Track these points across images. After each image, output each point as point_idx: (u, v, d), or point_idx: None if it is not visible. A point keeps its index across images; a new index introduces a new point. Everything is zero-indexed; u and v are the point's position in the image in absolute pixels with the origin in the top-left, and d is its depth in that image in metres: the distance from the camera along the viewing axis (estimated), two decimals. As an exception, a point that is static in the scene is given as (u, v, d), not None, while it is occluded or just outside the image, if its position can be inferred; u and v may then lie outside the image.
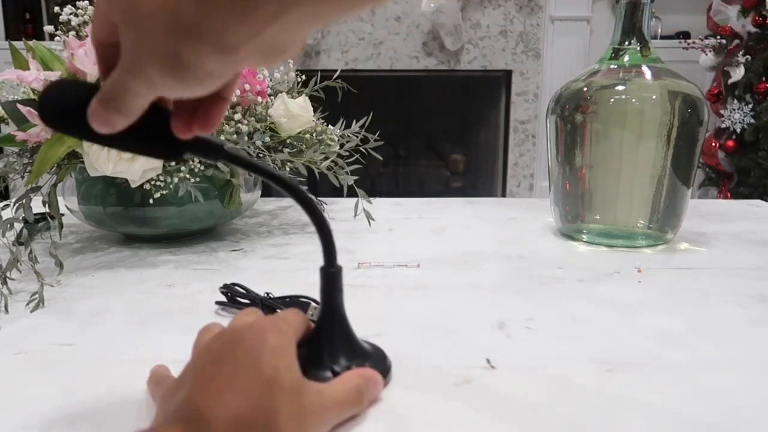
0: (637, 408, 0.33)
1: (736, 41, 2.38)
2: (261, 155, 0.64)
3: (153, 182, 0.58)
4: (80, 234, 0.71)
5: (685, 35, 2.74)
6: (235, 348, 0.29)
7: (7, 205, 0.56)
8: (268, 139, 0.65)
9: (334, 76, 0.76)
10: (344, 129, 0.73)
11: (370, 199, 0.71)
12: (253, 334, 0.30)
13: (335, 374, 0.33)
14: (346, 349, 0.35)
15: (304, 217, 0.79)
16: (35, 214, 0.57)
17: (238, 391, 0.26)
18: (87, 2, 0.63)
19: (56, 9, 0.68)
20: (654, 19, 2.76)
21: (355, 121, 0.73)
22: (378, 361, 0.36)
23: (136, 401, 0.33)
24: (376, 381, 0.33)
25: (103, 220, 0.65)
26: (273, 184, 0.34)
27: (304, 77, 0.77)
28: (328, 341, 0.35)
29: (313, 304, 0.42)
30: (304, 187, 0.68)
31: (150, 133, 0.28)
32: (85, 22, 0.63)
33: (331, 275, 0.34)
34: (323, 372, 0.34)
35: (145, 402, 0.33)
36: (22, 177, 0.61)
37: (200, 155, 0.30)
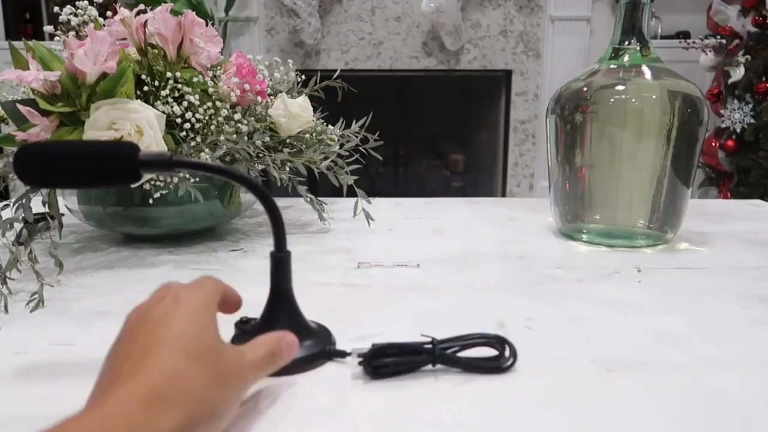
0: (637, 408, 0.33)
1: (736, 41, 2.38)
2: (261, 155, 0.64)
3: (153, 182, 0.58)
4: (80, 234, 0.71)
5: (685, 35, 2.74)
6: (146, 321, 0.29)
7: (7, 205, 0.56)
8: (267, 139, 0.65)
9: (334, 76, 0.76)
10: (344, 129, 0.73)
11: (370, 199, 0.71)
12: (164, 304, 0.30)
13: None
14: (293, 327, 0.37)
15: (303, 217, 0.79)
16: (35, 214, 0.57)
17: (151, 365, 0.26)
18: (87, 2, 0.63)
19: (56, 9, 0.67)
20: (654, 19, 2.76)
21: (355, 121, 0.73)
22: (323, 339, 0.39)
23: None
24: (290, 342, 0.34)
25: (103, 220, 0.65)
26: (228, 180, 0.37)
27: (304, 77, 0.77)
28: (278, 321, 0.37)
29: None
30: (304, 187, 0.68)
31: (113, 173, 0.33)
32: (84, 22, 0.63)
33: (280, 259, 0.38)
34: None
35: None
36: (22, 177, 0.61)
37: (155, 171, 0.34)
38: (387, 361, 0.35)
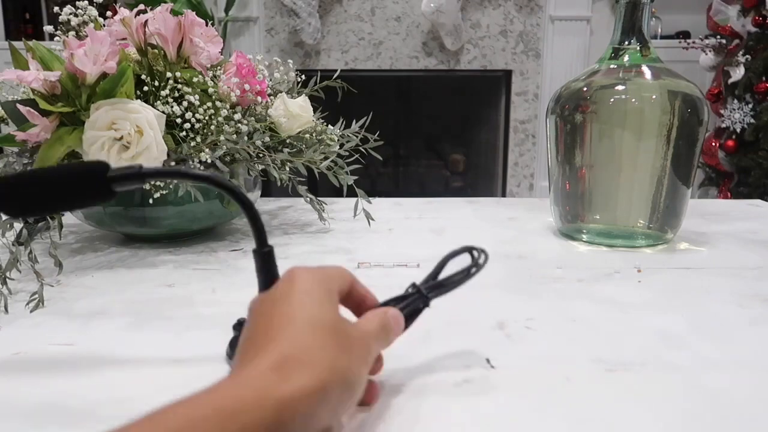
0: (637, 408, 0.33)
1: (736, 41, 2.38)
2: (261, 155, 0.64)
3: (153, 182, 0.58)
4: (80, 234, 0.71)
5: (685, 35, 2.74)
6: (265, 303, 0.30)
7: (7, 205, 0.56)
8: (267, 139, 0.65)
9: (334, 76, 0.76)
10: (344, 129, 0.73)
11: (370, 199, 0.71)
12: (281, 285, 0.31)
13: None
14: None
15: (303, 217, 0.79)
16: (35, 214, 0.57)
17: (278, 337, 0.27)
18: (87, 2, 0.63)
19: (56, 9, 0.67)
20: (654, 18, 2.76)
21: (355, 121, 0.73)
22: None
23: (136, 401, 0.33)
24: (395, 315, 0.34)
25: (103, 220, 0.65)
26: (201, 184, 0.37)
27: (304, 77, 0.77)
28: None
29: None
30: (304, 187, 0.68)
31: (86, 194, 0.33)
32: (84, 22, 0.63)
33: (265, 255, 0.36)
34: None
35: (145, 401, 0.33)
36: (22, 177, 0.61)
37: (128, 185, 0.33)
38: None
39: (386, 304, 0.35)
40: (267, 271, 0.36)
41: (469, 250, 0.37)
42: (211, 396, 0.23)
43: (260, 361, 0.25)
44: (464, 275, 0.36)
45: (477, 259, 0.37)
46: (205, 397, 0.23)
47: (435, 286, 0.36)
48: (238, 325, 0.39)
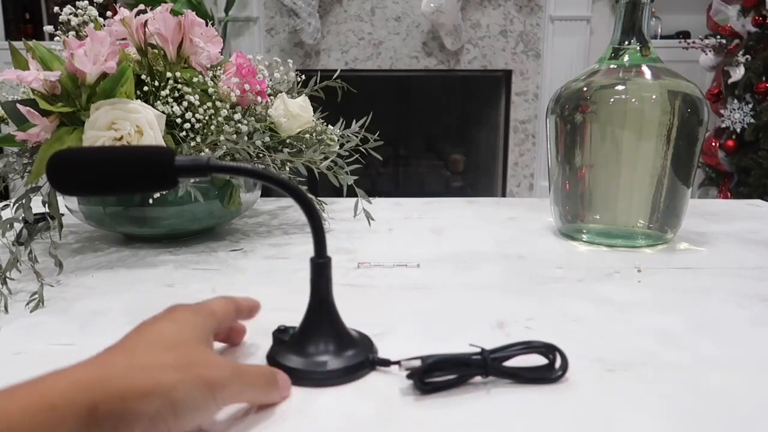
0: (637, 408, 0.33)
1: (736, 41, 2.38)
2: (261, 155, 0.64)
3: (144, 193, 0.58)
4: (80, 234, 0.71)
5: (685, 35, 2.74)
6: (140, 325, 0.31)
7: (7, 205, 0.56)
8: (267, 139, 0.65)
9: (334, 76, 0.76)
10: (344, 129, 0.73)
11: (370, 198, 0.71)
12: (159, 314, 0.32)
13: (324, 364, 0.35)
14: (335, 336, 0.37)
15: (303, 217, 0.78)
16: (35, 214, 0.57)
17: (124, 347, 0.29)
18: (87, 2, 0.63)
19: (56, 9, 0.67)
20: (654, 18, 2.76)
21: (355, 121, 0.73)
22: (365, 348, 0.38)
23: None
24: (285, 380, 0.34)
25: (103, 220, 0.65)
26: (268, 185, 0.36)
27: (304, 77, 0.77)
28: (318, 329, 0.37)
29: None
30: (304, 187, 0.68)
31: (149, 180, 0.32)
32: (84, 22, 0.63)
33: (320, 266, 0.36)
34: (317, 357, 0.36)
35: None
36: (22, 177, 0.61)
37: (191, 176, 0.33)
38: (440, 380, 0.34)
39: (452, 362, 0.34)
40: (320, 282, 0.36)
41: (552, 350, 0.35)
42: (34, 386, 0.24)
43: (92, 360, 0.27)
44: (532, 378, 0.35)
45: (552, 365, 0.35)
46: (29, 386, 0.24)
47: (501, 369, 0.34)
48: (278, 332, 0.38)
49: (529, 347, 0.35)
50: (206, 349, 0.31)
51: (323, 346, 0.36)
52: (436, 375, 0.34)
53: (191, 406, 0.27)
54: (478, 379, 0.35)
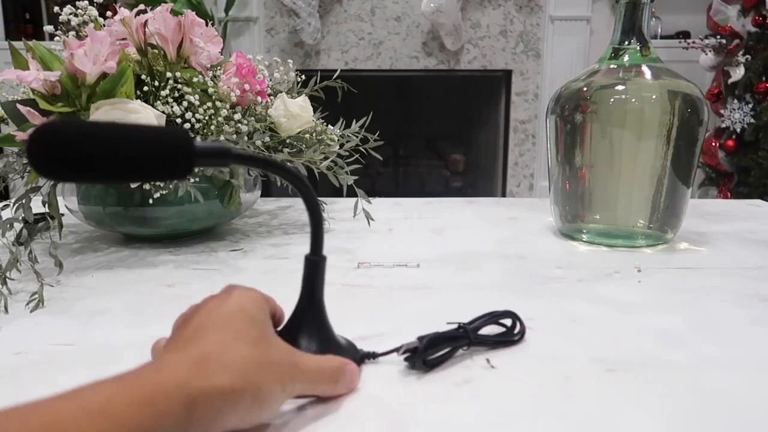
0: (637, 408, 0.33)
1: (736, 41, 2.38)
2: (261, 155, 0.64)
3: (153, 182, 0.58)
4: (80, 234, 0.71)
5: (685, 35, 2.74)
6: (201, 308, 0.32)
7: (7, 205, 0.56)
8: (267, 139, 0.65)
9: (334, 76, 0.76)
10: (344, 129, 0.73)
11: (370, 198, 0.71)
12: (218, 295, 0.33)
13: None
14: (320, 338, 0.36)
15: (303, 217, 0.79)
16: (35, 214, 0.57)
17: (204, 336, 0.29)
18: (87, 2, 0.63)
19: (56, 9, 0.67)
20: (654, 18, 2.76)
21: (355, 121, 0.73)
22: (349, 354, 0.36)
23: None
24: (353, 372, 0.34)
25: (103, 220, 0.65)
26: (281, 177, 0.34)
27: (304, 77, 0.77)
28: (304, 332, 0.35)
29: None
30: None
31: (164, 166, 0.27)
32: (84, 22, 0.63)
33: (314, 263, 0.35)
34: None
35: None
36: (22, 177, 0.61)
37: (210, 164, 0.30)
38: (436, 355, 0.37)
39: (444, 339, 0.37)
40: (312, 281, 0.35)
41: (511, 315, 0.41)
42: (132, 380, 0.24)
43: (183, 354, 0.27)
44: (503, 341, 0.40)
45: (513, 328, 0.41)
46: (126, 380, 0.24)
47: (481, 338, 0.39)
48: None
49: (493, 316, 0.41)
50: (278, 340, 0.32)
51: (308, 347, 0.34)
52: (430, 353, 0.36)
53: (271, 400, 0.29)
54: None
